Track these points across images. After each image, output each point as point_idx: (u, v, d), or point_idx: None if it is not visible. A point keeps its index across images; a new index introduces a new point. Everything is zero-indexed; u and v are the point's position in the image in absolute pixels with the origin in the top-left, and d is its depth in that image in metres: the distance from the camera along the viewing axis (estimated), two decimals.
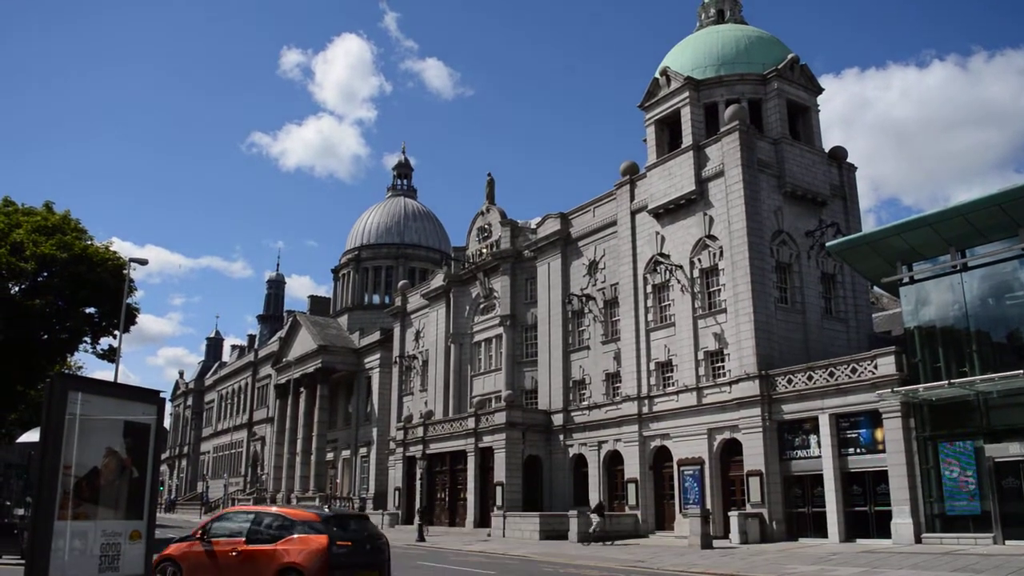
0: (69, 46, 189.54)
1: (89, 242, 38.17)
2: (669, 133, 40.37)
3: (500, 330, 49.94)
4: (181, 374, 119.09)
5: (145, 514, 8.44)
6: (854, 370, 29.36)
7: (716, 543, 29.47)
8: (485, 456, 44.38)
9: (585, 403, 42.63)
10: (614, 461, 40.03)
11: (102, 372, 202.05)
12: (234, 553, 14.12)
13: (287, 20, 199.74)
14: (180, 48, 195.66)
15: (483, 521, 42.65)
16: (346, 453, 68.84)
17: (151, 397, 8.83)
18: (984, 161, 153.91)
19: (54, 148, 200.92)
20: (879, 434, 28.33)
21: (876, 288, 38.17)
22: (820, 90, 39.95)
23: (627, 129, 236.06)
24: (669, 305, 38.02)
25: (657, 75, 40.44)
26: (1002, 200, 24.75)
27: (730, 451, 33.96)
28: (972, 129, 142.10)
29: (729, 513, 31.73)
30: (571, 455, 42.62)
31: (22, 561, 19.72)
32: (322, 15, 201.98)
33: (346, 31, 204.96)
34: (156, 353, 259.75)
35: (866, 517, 28.71)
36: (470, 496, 44.82)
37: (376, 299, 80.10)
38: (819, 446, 30.21)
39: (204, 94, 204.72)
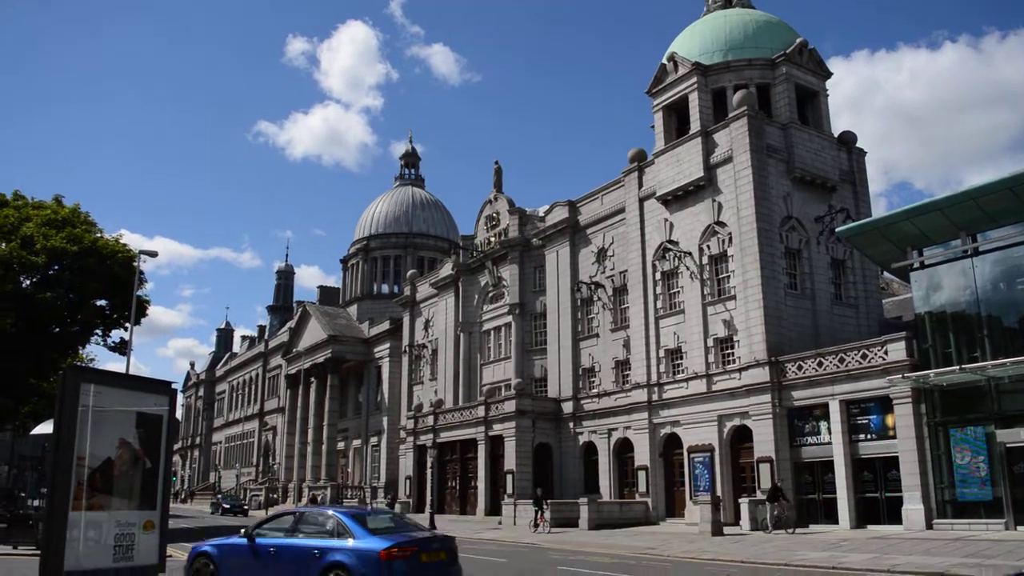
0: (75, 39, 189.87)
1: (99, 235, 38.20)
2: (677, 119, 40.20)
3: (509, 318, 49.97)
4: (192, 365, 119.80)
5: (158, 504, 8.51)
6: (864, 356, 29.28)
7: (727, 530, 29.51)
8: (495, 444, 44.50)
9: (595, 391, 42.65)
10: (624, 448, 40.07)
11: (113, 364, 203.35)
12: None
13: (292, 7, 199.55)
14: (185, 37, 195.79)
15: (494, 509, 42.80)
16: (357, 442, 69.14)
17: (163, 388, 8.90)
18: (997, 143, 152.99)
19: (62, 142, 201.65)
20: (890, 420, 28.27)
21: (886, 273, 38.02)
22: (829, 74, 39.71)
23: (635, 115, 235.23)
24: (678, 292, 37.96)
25: (664, 61, 40.25)
26: (1013, 184, 24.55)
27: (740, 438, 33.95)
28: (985, 111, 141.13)
29: (739, 500, 31.76)
30: (581, 443, 42.69)
31: (38, 552, 19.89)
32: (328, 2, 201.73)
33: (352, 18, 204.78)
34: (167, 344, 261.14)
35: (877, 503, 28.69)
36: (480, 484, 44.98)
37: (385, 289, 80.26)
38: (829, 432, 30.18)
39: (209, 83, 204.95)
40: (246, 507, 62.74)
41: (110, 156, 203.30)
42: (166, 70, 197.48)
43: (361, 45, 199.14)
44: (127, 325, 37.83)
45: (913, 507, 26.68)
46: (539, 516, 34.22)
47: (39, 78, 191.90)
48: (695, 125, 37.81)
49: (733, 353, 34.76)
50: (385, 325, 66.78)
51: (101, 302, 39.08)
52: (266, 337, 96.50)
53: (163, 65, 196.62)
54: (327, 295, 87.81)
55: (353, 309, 78.03)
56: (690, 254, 37.05)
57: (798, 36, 39.24)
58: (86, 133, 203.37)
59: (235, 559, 13.71)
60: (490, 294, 52.80)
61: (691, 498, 34.62)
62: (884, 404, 28.52)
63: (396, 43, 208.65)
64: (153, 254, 34.74)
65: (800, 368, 31.52)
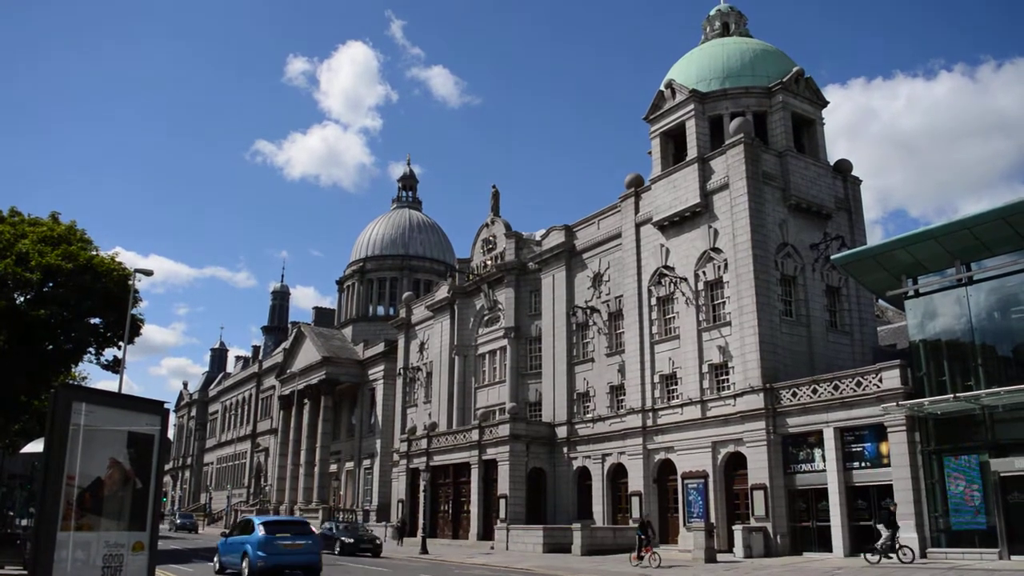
0: (73, 51, 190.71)
1: (94, 252, 38.20)
2: (674, 146, 40.43)
3: (504, 342, 49.90)
4: (185, 385, 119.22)
5: (148, 525, 8.43)
6: (859, 383, 29.28)
7: (720, 557, 29.32)
8: (489, 469, 44.27)
9: (589, 416, 42.52)
10: (618, 474, 39.90)
11: (106, 382, 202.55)
12: None
13: (293, 27, 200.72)
14: (185, 54, 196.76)
15: (486, 534, 42.51)
16: (350, 465, 68.76)
17: (155, 408, 8.84)
18: (993, 172, 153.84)
19: (59, 159, 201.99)
20: (884, 448, 28.21)
21: (881, 301, 38.13)
22: (825, 103, 40.02)
23: (632, 141, 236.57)
24: (674, 318, 37.98)
25: (662, 88, 40.54)
26: (1007, 213, 24.72)
27: (734, 464, 33.83)
28: (980, 139, 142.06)
29: (733, 527, 31.60)
30: (575, 468, 42.49)
31: (25, 572, 19.69)
32: (328, 23, 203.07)
33: (352, 39, 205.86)
34: (160, 363, 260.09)
35: (871, 531, 28.54)
36: (473, 508, 44.69)
37: (380, 311, 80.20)
38: (824, 460, 30.09)
39: (209, 101, 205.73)
40: (379, 542, 39.76)
41: (107, 173, 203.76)
42: (165, 87, 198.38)
43: (361, 66, 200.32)
44: (121, 343, 37.75)
45: (907, 536, 26.55)
46: (644, 547, 28.26)
47: (37, 94, 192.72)
48: (692, 151, 38.02)
49: (728, 379, 34.72)
50: (380, 347, 66.65)
51: (95, 320, 39.02)
52: (260, 357, 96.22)
53: (162, 82, 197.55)
54: (322, 316, 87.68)
55: (348, 331, 77.90)
56: (686, 280, 37.12)
57: (795, 65, 39.59)
58: (84, 150, 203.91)
59: None
60: (485, 317, 52.76)
61: (685, 524, 34.44)
62: (878, 432, 28.47)
63: (396, 64, 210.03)
64: (148, 273, 34.77)
65: (795, 395, 31.49)
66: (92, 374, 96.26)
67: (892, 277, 28.79)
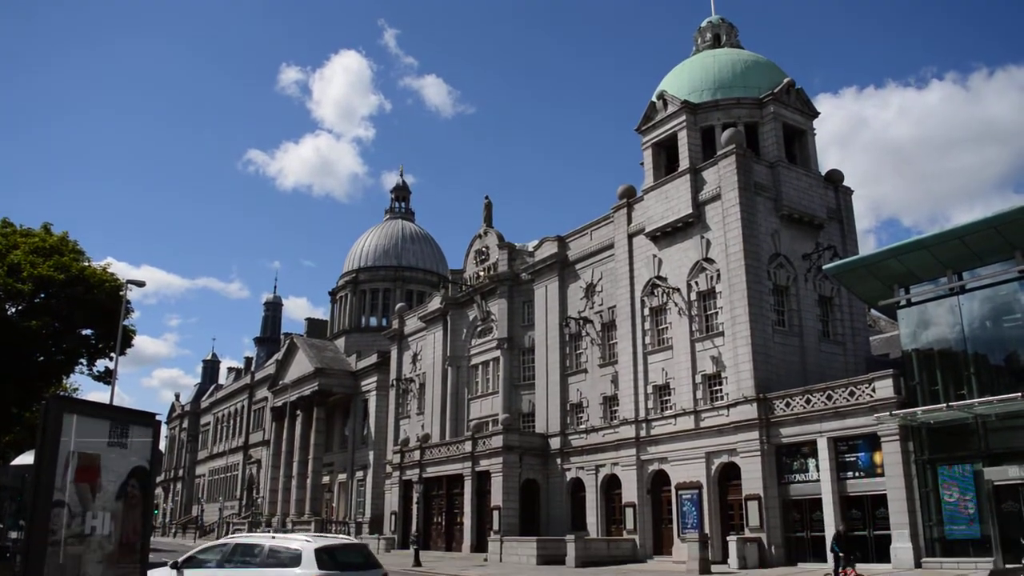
0: (67, 62, 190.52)
1: (86, 264, 38.06)
2: (666, 156, 40.55)
3: (497, 353, 49.84)
4: (177, 396, 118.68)
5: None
6: (852, 393, 29.32)
7: (714, 568, 29.30)
8: (482, 480, 44.14)
9: (583, 427, 42.46)
10: (612, 485, 39.81)
11: (97, 394, 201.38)
12: None
13: (286, 36, 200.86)
14: (177, 63, 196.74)
15: (480, 545, 42.34)
16: (342, 477, 68.46)
17: (146, 420, 8.78)
18: (985, 179, 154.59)
19: (51, 169, 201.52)
20: (878, 457, 28.24)
21: (874, 311, 38.24)
22: (816, 114, 40.22)
23: (625, 152, 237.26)
24: (667, 328, 38.00)
25: (654, 99, 40.69)
26: (998, 222, 24.85)
27: (728, 475, 33.80)
28: (972, 147, 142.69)
29: (727, 538, 31.55)
30: (568, 479, 42.40)
31: None
32: (321, 32, 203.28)
33: (345, 48, 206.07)
34: (151, 375, 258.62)
35: (865, 541, 28.54)
36: (467, 520, 44.54)
37: (373, 322, 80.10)
38: (818, 470, 30.10)
39: (201, 110, 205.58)
40: None
41: (100, 183, 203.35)
42: (158, 96, 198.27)
43: (354, 75, 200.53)
44: (112, 354, 37.57)
45: (901, 545, 26.55)
46: (843, 568, 23.87)
47: (30, 101, 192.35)
48: (684, 162, 38.13)
49: (721, 390, 34.73)
50: (373, 358, 66.48)
51: (87, 331, 38.82)
52: (252, 369, 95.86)
53: (155, 91, 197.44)
54: (315, 327, 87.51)
55: (341, 342, 77.74)
56: (678, 290, 37.16)
57: (785, 76, 39.80)
58: (76, 159, 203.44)
59: None
60: (478, 328, 52.71)
61: (679, 536, 34.36)
62: (872, 441, 28.50)
63: (389, 74, 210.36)
64: (141, 284, 34.63)
65: (788, 405, 31.50)
66: (84, 385, 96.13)
67: (884, 287, 28.88)
